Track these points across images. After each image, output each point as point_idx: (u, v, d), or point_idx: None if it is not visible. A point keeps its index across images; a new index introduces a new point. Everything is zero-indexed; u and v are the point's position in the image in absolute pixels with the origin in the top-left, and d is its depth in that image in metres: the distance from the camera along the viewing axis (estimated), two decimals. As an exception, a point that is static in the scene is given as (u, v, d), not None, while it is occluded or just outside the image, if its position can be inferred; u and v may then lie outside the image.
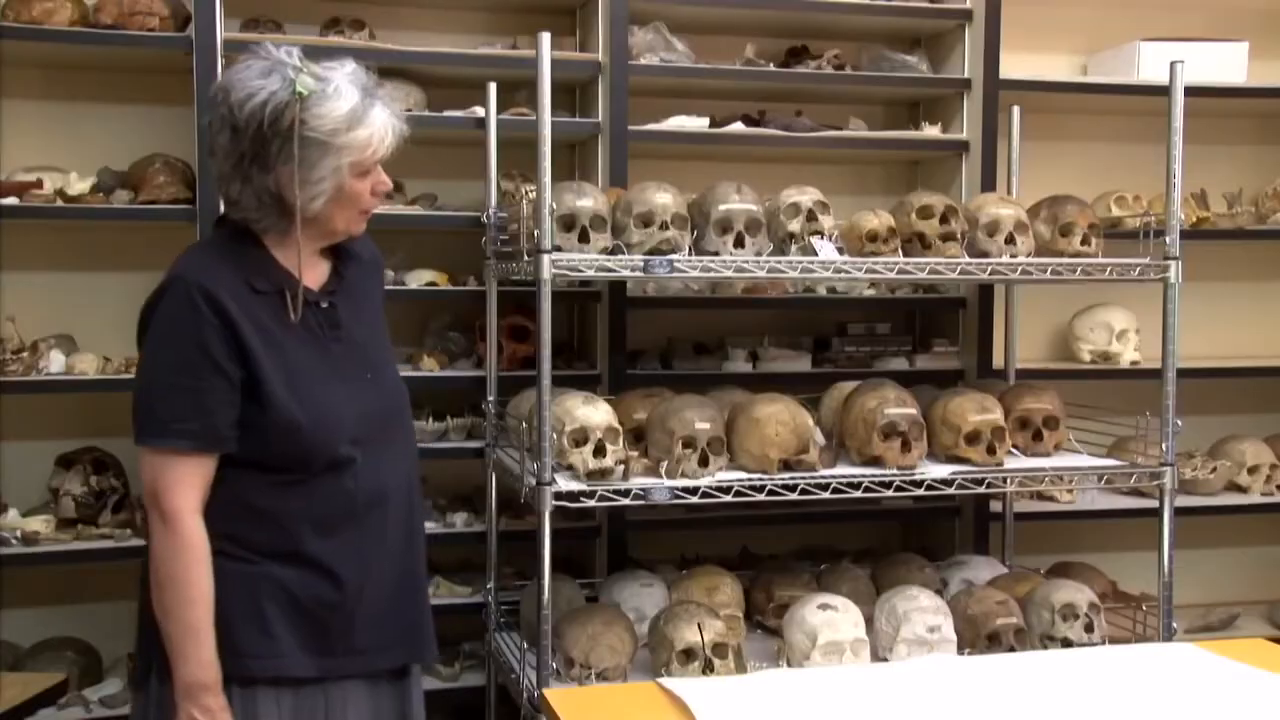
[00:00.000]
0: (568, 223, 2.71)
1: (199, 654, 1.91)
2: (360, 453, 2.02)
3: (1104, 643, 2.93)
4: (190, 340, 1.92)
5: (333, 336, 2.06)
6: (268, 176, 1.97)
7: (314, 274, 2.09)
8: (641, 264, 2.67)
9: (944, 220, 2.90)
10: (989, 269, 2.89)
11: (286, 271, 2.03)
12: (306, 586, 1.98)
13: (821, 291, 3.63)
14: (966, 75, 3.64)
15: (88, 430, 3.32)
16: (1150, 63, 3.75)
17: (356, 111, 1.98)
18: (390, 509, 2.07)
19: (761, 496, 2.68)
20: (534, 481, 2.60)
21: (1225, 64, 3.86)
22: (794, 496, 2.71)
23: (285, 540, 1.97)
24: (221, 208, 2.12)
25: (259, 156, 1.96)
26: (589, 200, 2.74)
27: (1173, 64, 2.94)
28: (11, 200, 3.09)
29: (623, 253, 2.73)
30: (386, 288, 3.30)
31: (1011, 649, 2.83)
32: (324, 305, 2.07)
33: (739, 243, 2.78)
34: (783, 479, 2.71)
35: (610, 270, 2.68)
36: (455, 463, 3.46)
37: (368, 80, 2.03)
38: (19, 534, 3.07)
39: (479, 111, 3.30)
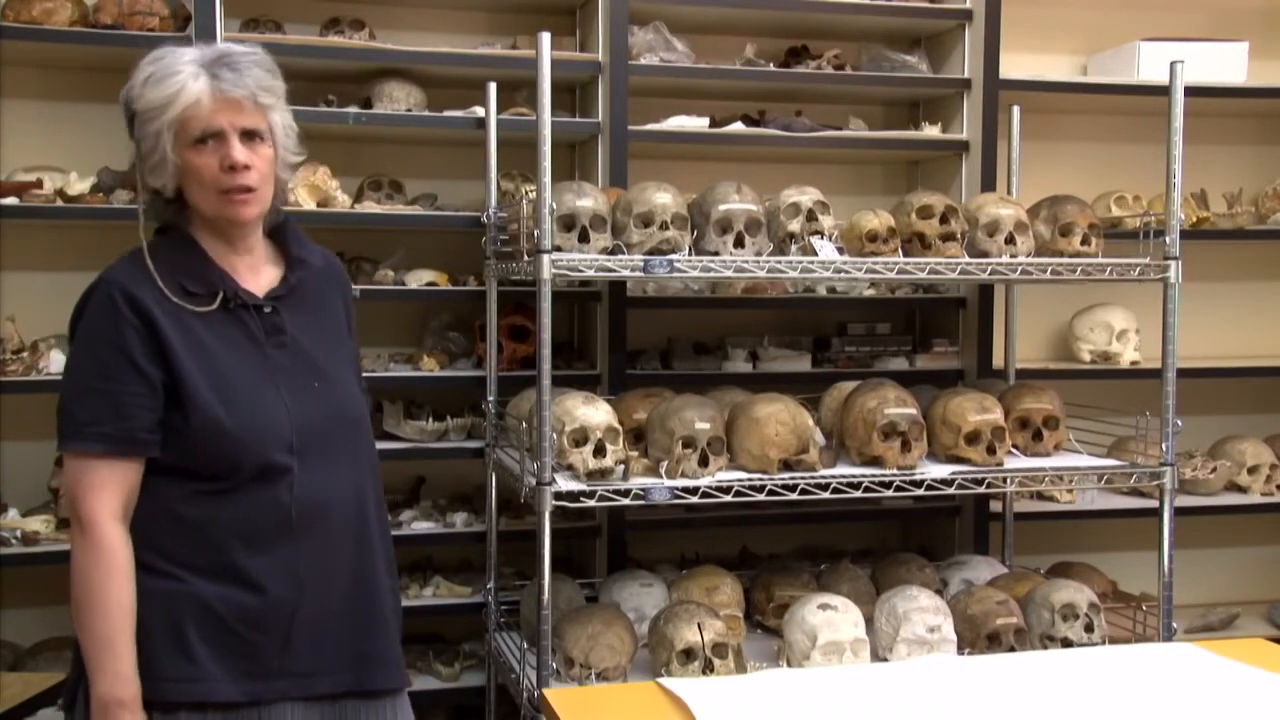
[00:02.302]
0: (568, 223, 2.71)
1: (115, 667, 1.81)
2: (298, 463, 1.92)
3: (1104, 643, 2.92)
4: (109, 342, 1.87)
5: (274, 342, 1.97)
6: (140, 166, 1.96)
7: (258, 278, 2.01)
8: (641, 264, 2.67)
9: (944, 220, 2.90)
10: (989, 269, 2.89)
11: (222, 271, 1.97)
12: (232, 603, 1.87)
13: (821, 291, 3.63)
14: (966, 75, 3.63)
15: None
16: (1150, 63, 3.75)
17: (156, 74, 1.90)
18: (334, 523, 1.95)
19: (761, 496, 2.68)
20: (534, 481, 2.60)
21: (1225, 64, 3.86)
22: (794, 496, 2.71)
23: (211, 553, 1.88)
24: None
25: (135, 149, 1.95)
26: (589, 200, 2.74)
27: (1173, 64, 2.94)
28: (11, 200, 3.09)
29: (623, 253, 2.73)
30: (386, 288, 3.35)
31: (1011, 649, 2.83)
32: (266, 310, 1.98)
33: (739, 243, 2.78)
34: (783, 479, 2.71)
35: (610, 270, 2.68)
36: (455, 463, 3.47)
37: (216, 52, 1.93)
38: (19, 534, 3.07)
39: (479, 111, 3.30)
